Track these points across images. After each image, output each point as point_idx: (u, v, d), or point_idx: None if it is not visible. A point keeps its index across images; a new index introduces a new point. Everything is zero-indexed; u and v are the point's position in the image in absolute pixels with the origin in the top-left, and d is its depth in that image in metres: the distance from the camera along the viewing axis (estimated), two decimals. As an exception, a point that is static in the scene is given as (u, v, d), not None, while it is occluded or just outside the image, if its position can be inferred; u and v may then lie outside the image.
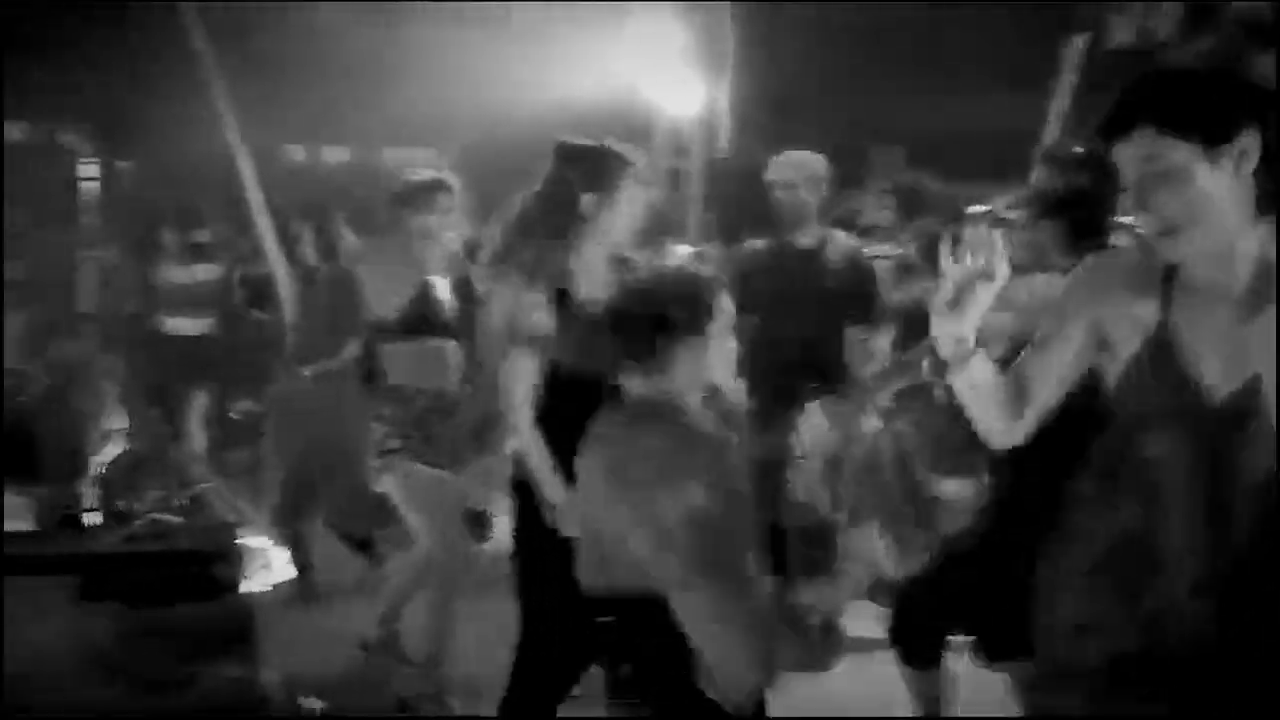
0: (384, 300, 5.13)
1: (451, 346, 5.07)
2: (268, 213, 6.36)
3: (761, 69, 8.10)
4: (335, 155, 9.71)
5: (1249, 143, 2.07)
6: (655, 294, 2.83)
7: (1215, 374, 2.09)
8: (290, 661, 4.63)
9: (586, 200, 3.66)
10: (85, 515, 5.46)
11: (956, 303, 2.28)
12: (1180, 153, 2.07)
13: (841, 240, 5.41)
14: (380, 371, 5.11)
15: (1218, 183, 2.07)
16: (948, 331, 2.31)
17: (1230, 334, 2.09)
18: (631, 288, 2.94)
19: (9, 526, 5.17)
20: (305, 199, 6.53)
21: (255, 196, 6.40)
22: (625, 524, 2.65)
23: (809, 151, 5.32)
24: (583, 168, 3.70)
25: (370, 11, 7.60)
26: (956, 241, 2.29)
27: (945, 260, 2.30)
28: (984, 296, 2.28)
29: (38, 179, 7.59)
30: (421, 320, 5.04)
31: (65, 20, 6.67)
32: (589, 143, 3.77)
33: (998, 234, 2.31)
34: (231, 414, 7.22)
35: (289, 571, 5.54)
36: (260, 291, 7.04)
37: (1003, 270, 2.28)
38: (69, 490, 5.59)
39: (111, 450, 6.00)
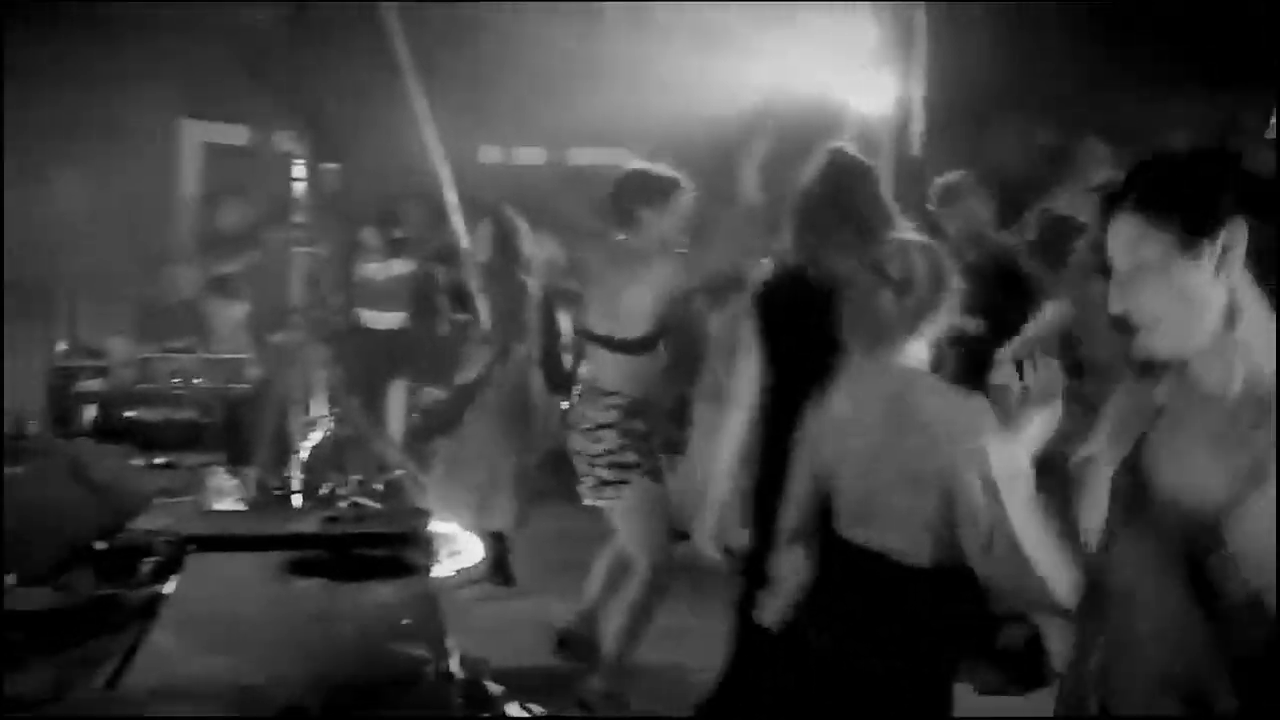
0: (610, 310, 5.09)
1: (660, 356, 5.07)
2: (461, 212, 6.61)
3: (954, 65, 7.90)
4: (529, 156, 9.97)
5: (1233, 236, 1.88)
6: (901, 263, 2.93)
7: (1194, 483, 1.92)
8: (477, 647, 4.77)
9: None
10: (294, 496, 5.84)
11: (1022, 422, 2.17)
12: (1158, 242, 1.93)
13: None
14: (591, 377, 5.11)
15: (1196, 277, 1.91)
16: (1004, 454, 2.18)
17: (1220, 440, 1.91)
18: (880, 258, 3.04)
19: (224, 505, 5.57)
20: (485, 198, 6.73)
21: (450, 196, 6.64)
22: (900, 478, 2.74)
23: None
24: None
25: (564, 14, 7.79)
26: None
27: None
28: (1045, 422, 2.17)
29: (257, 180, 8.12)
30: (661, 333, 5.00)
31: (283, 33, 7.09)
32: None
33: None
34: (422, 404, 7.52)
35: (479, 557, 5.72)
36: (461, 293, 7.30)
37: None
38: (278, 472, 5.98)
39: (316, 436, 6.37)
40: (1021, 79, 8.22)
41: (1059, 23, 8.01)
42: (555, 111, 8.19)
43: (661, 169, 5.06)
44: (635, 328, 4.92)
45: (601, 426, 4.94)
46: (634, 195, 4.96)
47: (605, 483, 4.95)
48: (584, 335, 5.29)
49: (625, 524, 5.01)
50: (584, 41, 7.66)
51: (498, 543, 6.04)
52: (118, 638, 3.87)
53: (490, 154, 9.58)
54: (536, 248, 6.38)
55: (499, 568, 5.88)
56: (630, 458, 4.93)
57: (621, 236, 5.04)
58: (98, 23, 7.39)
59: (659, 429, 5.20)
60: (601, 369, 5.09)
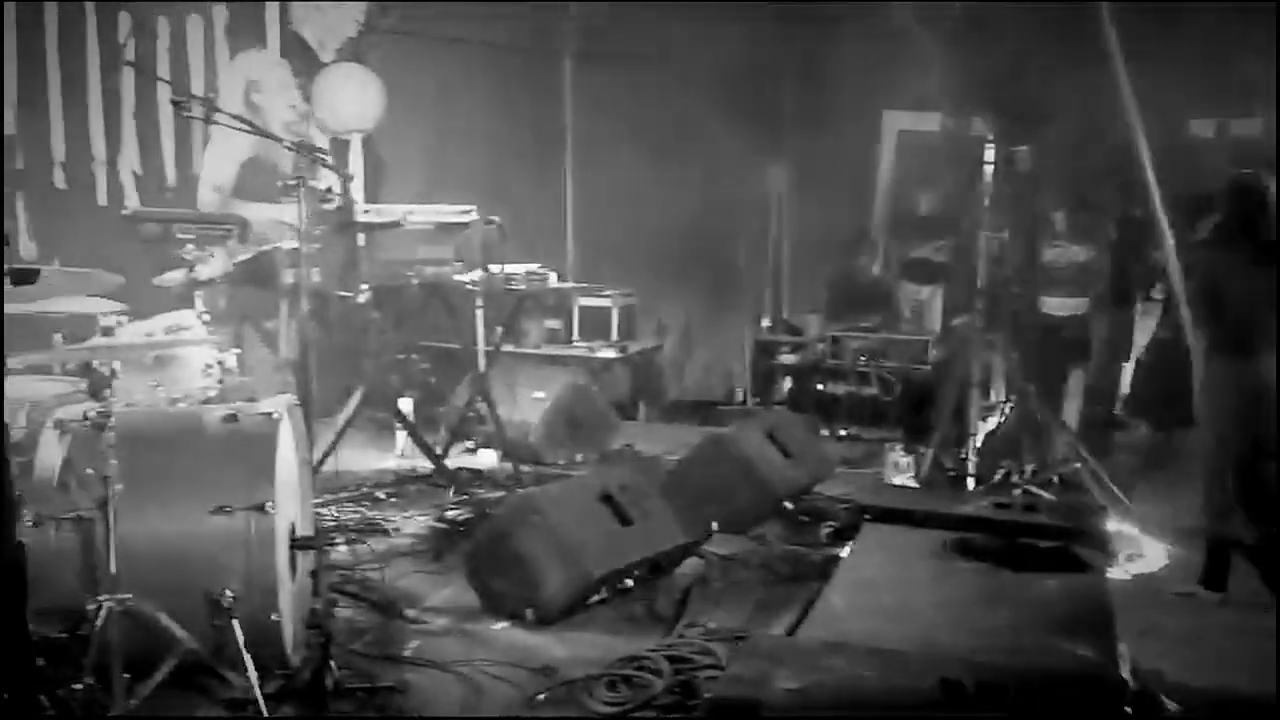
0: None
1: None
2: (1160, 194, 6.16)
3: None
4: (1245, 129, 8.96)
5: None
6: None
7: None
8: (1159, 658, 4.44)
9: None
10: (966, 479, 5.92)
11: None
12: None
13: None
14: None
15: None
16: None
17: None
18: None
19: (900, 480, 5.83)
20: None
21: (1148, 177, 6.23)
22: None
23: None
24: None
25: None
26: None
27: None
28: None
29: (949, 165, 8.33)
30: None
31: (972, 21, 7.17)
32: None
33: None
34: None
35: (1161, 563, 5.31)
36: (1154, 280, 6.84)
37: None
38: (953, 453, 6.11)
39: (993, 421, 6.39)
40: None
41: None
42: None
43: None
44: None
45: None
46: None
47: None
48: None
49: None
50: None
51: (1223, 551, 5.48)
52: (796, 591, 4.31)
53: (1203, 128, 8.76)
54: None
55: (1215, 576, 5.38)
56: None
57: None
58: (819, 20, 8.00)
59: None
60: None
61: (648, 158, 7.95)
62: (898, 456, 5.86)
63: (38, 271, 2.66)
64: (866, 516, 5.03)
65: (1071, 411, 6.66)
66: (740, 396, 8.02)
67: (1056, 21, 6.75)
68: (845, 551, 4.61)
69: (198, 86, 5.92)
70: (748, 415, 6.56)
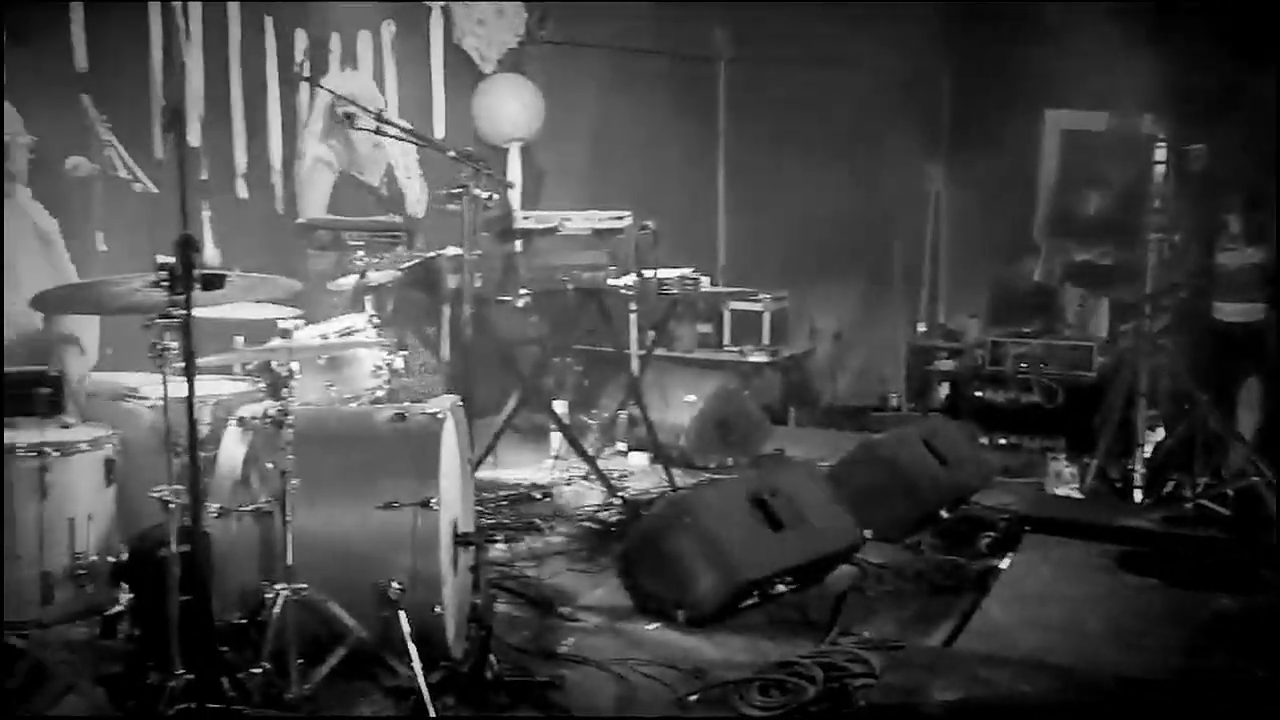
0: None
1: None
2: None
3: None
4: None
5: None
6: None
7: None
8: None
9: None
10: (1133, 490, 5.70)
11: None
12: None
13: None
14: None
15: None
16: None
17: None
18: None
19: (1062, 490, 5.65)
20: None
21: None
22: None
23: None
24: None
25: None
26: None
27: None
28: None
29: (1116, 166, 8.04)
30: None
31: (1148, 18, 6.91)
32: None
33: None
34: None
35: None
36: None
37: None
38: (1119, 464, 5.88)
39: (1161, 431, 6.13)
40: None
41: None
42: None
43: None
44: None
45: None
46: None
47: None
48: None
49: None
50: None
51: None
52: (953, 601, 4.22)
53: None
54: None
55: None
56: None
57: None
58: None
59: None
60: None
61: (800, 160, 7.91)
62: (1060, 466, 5.69)
63: (224, 276, 2.82)
64: (1027, 527, 4.89)
65: (1248, 422, 6.32)
66: (894, 402, 7.89)
67: (1235, 15, 6.45)
68: (1005, 563, 4.50)
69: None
70: (903, 421, 6.47)
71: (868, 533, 4.43)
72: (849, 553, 4.29)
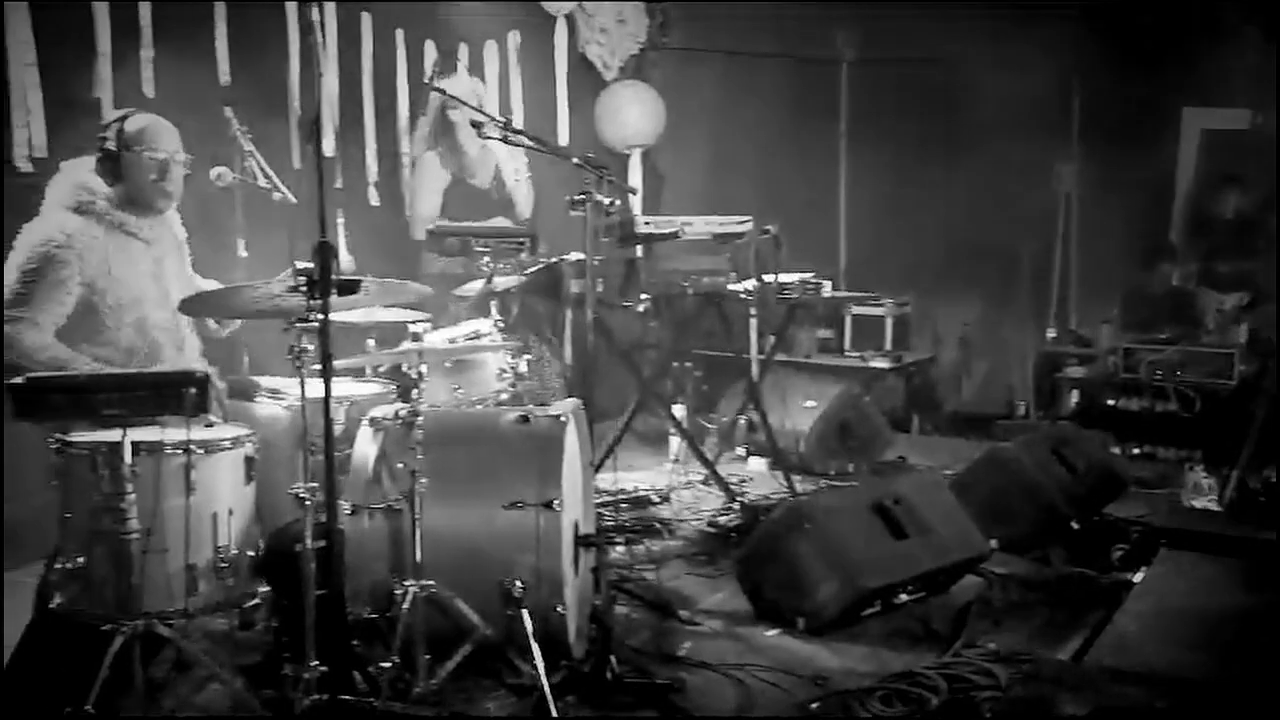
0: None
1: None
2: None
3: None
4: None
5: None
6: None
7: None
8: None
9: None
10: (1277, 504, 5.45)
11: None
12: None
13: None
14: None
15: None
16: None
17: None
18: None
19: (1200, 503, 5.44)
20: None
21: None
22: None
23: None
24: None
25: None
26: None
27: None
28: None
29: (1257, 165, 7.72)
30: None
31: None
32: None
33: None
34: None
35: None
36: None
37: None
38: (1262, 475, 5.64)
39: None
40: None
41: None
42: None
43: None
44: None
45: None
46: None
47: None
48: None
49: None
50: None
51: None
52: (1083, 615, 4.10)
53: None
54: None
55: None
56: None
57: None
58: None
59: None
60: None
61: (924, 161, 7.80)
62: (1198, 477, 5.48)
63: (360, 282, 2.92)
64: (1162, 541, 4.72)
65: None
66: (1022, 410, 7.70)
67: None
68: (1138, 577, 4.35)
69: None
70: (1030, 430, 6.31)
71: (994, 543, 4.33)
72: (974, 563, 4.21)
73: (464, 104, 5.09)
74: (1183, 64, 7.26)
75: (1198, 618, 3.87)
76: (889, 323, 7.44)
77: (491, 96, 6.49)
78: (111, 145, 3.55)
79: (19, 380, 2.77)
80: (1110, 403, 6.80)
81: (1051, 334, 8.18)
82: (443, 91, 5.44)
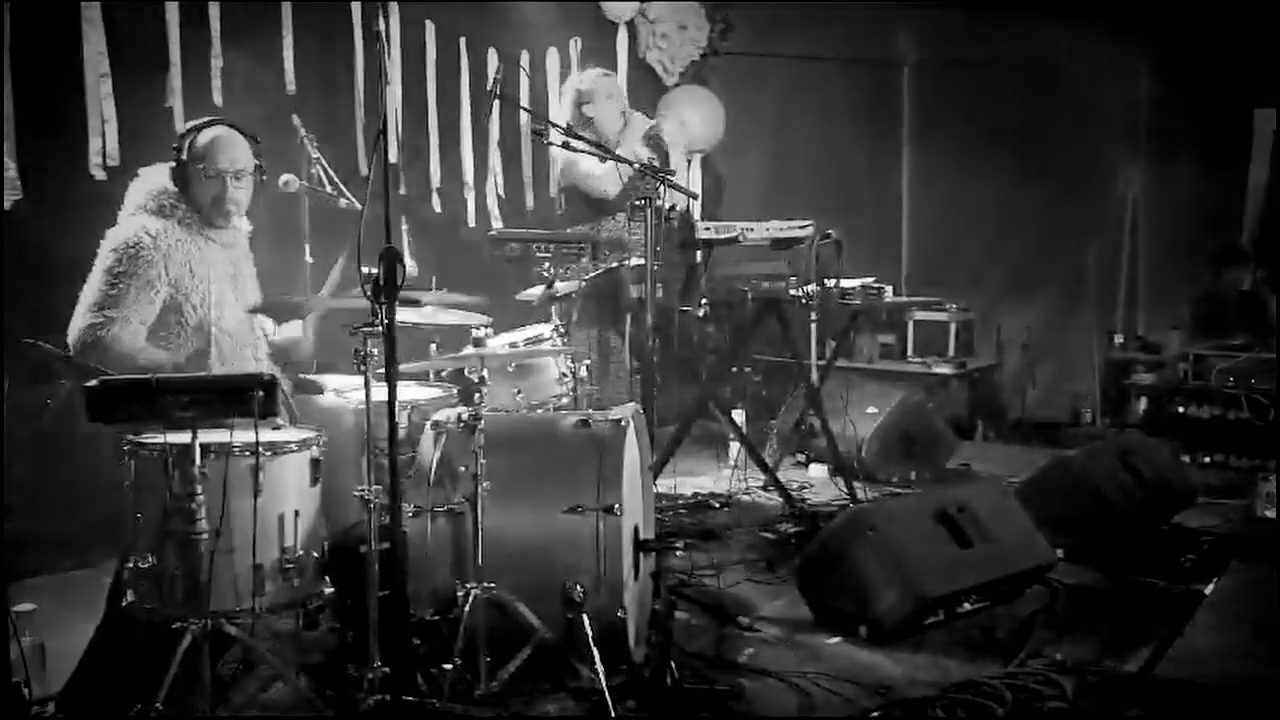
0: None
1: None
2: None
3: None
4: None
5: None
6: None
7: None
8: None
9: None
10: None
11: None
12: None
13: None
14: None
15: None
16: None
17: None
18: None
19: (1272, 513, 5.30)
20: None
21: None
22: None
23: None
24: None
25: None
26: None
27: None
28: None
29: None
30: None
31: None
32: None
33: None
34: None
35: None
36: None
37: None
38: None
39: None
40: None
41: None
42: None
43: None
44: None
45: None
46: None
47: None
48: None
49: None
50: None
51: None
52: (1151, 626, 4.02)
53: None
54: None
55: None
56: None
57: None
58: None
59: None
60: None
61: (988, 164, 7.71)
62: (1271, 487, 5.34)
63: (424, 290, 2.95)
64: (1233, 551, 4.62)
65: None
66: (1088, 418, 7.58)
67: None
68: (1209, 588, 4.25)
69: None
70: (1097, 438, 6.20)
71: (1059, 552, 4.27)
72: (1040, 572, 4.15)
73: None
74: (1253, 65, 7.10)
75: (1270, 631, 3.77)
76: (952, 328, 7.35)
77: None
78: (183, 155, 3.59)
79: (93, 383, 2.83)
80: (1179, 410, 6.66)
81: (1119, 340, 8.03)
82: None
